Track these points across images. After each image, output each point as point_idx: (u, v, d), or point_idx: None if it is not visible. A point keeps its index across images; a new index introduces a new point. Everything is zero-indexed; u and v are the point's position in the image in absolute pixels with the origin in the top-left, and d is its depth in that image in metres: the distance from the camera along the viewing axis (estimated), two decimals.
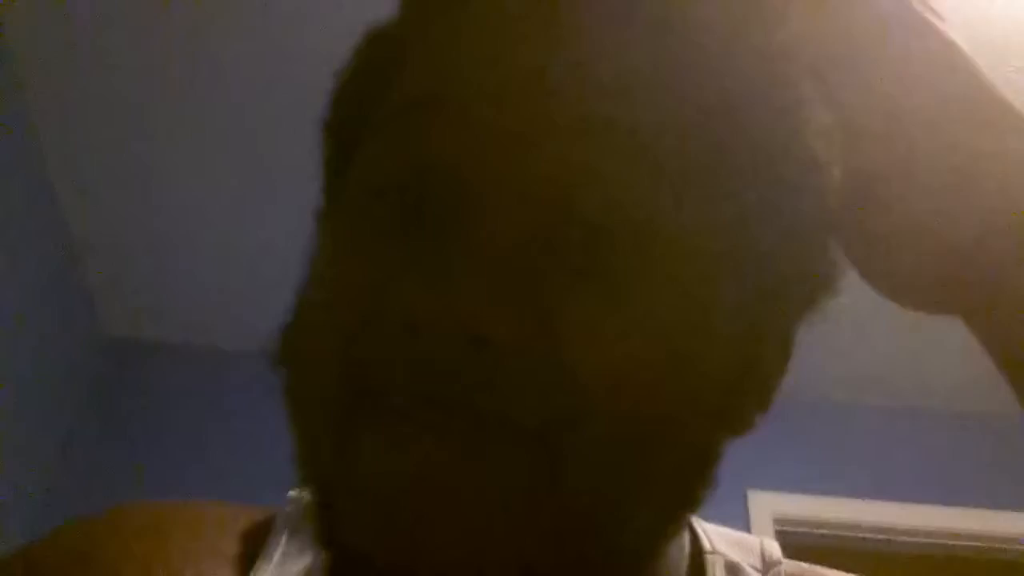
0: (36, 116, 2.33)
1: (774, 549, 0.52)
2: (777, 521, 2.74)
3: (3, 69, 2.21)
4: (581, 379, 0.37)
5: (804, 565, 0.53)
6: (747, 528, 2.69)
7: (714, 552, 0.50)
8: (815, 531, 2.76)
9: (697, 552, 0.50)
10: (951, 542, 2.79)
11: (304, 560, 0.50)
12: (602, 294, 0.38)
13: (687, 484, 0.42)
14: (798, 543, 2.71)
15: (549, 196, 0.38)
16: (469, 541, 0.36)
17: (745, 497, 2.74)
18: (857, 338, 2.85)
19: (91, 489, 2.55)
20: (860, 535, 2.79)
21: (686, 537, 0.50)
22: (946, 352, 2.87)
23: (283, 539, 0.52)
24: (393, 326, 0.37)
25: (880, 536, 2.79)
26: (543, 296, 0.37)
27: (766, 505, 2.75)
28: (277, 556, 0.51)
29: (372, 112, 0.44)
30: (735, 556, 0.50)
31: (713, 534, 0.52)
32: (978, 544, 2.79)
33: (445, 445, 0.36)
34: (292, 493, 0.54)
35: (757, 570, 0.50)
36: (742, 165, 0.41)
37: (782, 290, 0.44)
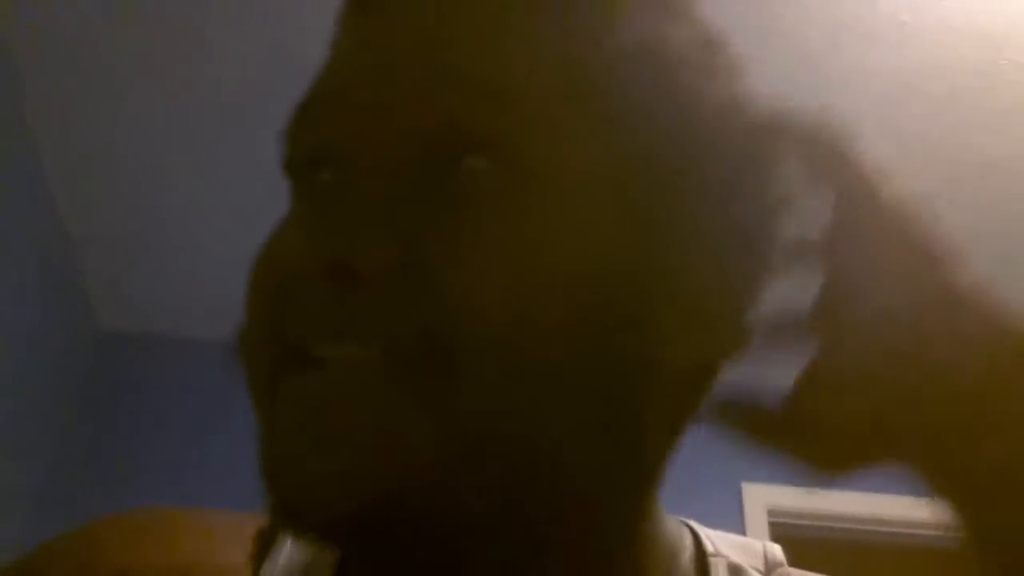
0: (31, 110, 2.32)
1: (777, 552, 0.53)
2: (771, 513, 2.75)
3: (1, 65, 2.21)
4: (450, 301, 0.39)
5: (807, 573, 0.53)
6: (741, 519, 2.70)
7: (717, 555, 0.51)
8: (809, 523, 2.77)
9: (700, 555, 0.51)
10: (947, 535, 2.79)
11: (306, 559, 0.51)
12: (463, 222, 0.40)
13: (580, 400, 0.42)
14: (792, 535, 2.72)
15: (402, 136, 0.42)
16: (367, 471, 0.38)
17: (739, 489, 2.75)
18: None
19: (88, 482, 2.56)
20: (855, 527, 2.80)
21: (688, 539, 0.51)
22: None
23: (287, 545, 0.52)
24: (287, 282, 0.41)
25: (875, 528, 2.80)
26: (402, 223, 0.40)
27: (760, 497, 2.76)
28: (282, 560, 0.51)
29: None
30: (738, 558, 0.51)
31: (716, 538, 0.52)
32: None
33: (338, 378, 0.39)
34: None
35: (759, 572, 0.51)
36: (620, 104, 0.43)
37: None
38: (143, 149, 2.41)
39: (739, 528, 2.67)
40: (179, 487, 2.52)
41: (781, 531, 2.72)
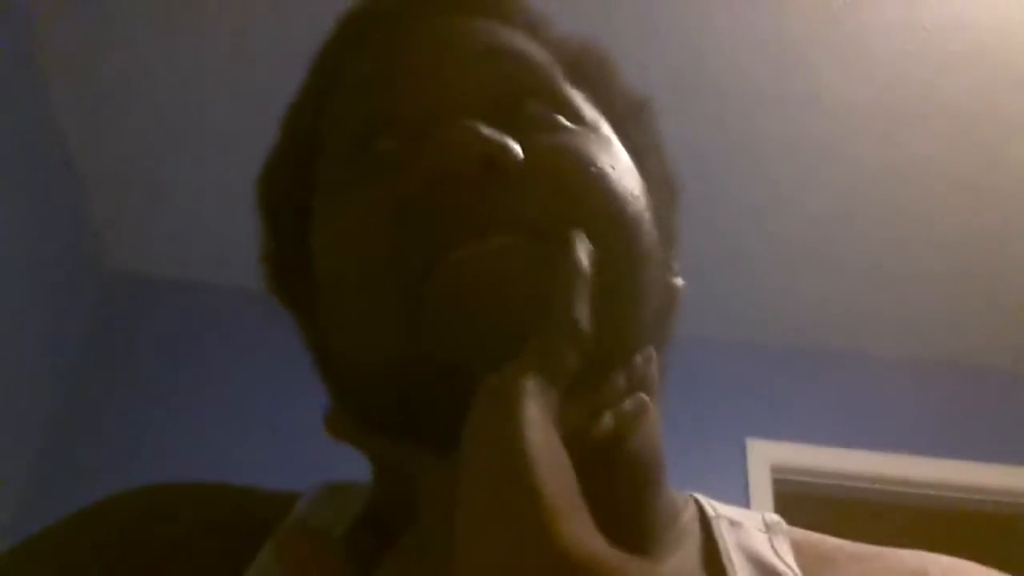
0: (39, 46, 2.30)
1: (775, 517, 0.56)
2: (775, 469, 2.75)
3: (11, 5, 2.19)
4: (567, 186, 0.48)
5: (806, 532, 0.56)
6: (744, 476, 2.71)
7: (718, 516, 0.55)
8: (813, 480, 2.78)
9: (703, 516, 0.55)
10: (949, 494, 2.81)
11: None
12: (560, 132, 0.52)
13: (655, 291, 0.52)
14: (796, 492, 2.73)
15: (474, 85, 0.52)
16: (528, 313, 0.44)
17: (744, 445, 2.76)
18: (859, 286, 2.86)
19: (96, 424, 2.58)
20: (858, 485, 2.81)
21: (692, 504, 0.56)
22: (951, 304, 2.88)
23: (299, 512, 0.55)
24: (428, 187, 0.46)
25: (878, 487, 2.81)
26: (523, 133, 0.49)
27: (764, 453, 2.76)
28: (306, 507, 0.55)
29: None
30: (739, 518, 0.55)
31: (717, 505, 0.56)
32: (976, 497, 2.82)
33: (501, 248, 0.45)
34: (315, 482, 0.59)
35: (760, 530, 0.54)
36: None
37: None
38: (155, 90, 2.40)
39: (742, 484, 2.68)
40: (188, 427, 2.54)
41: (785, 488, 2.72)
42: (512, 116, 0.50)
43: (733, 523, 0.54)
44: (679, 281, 0.57)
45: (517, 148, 0.47)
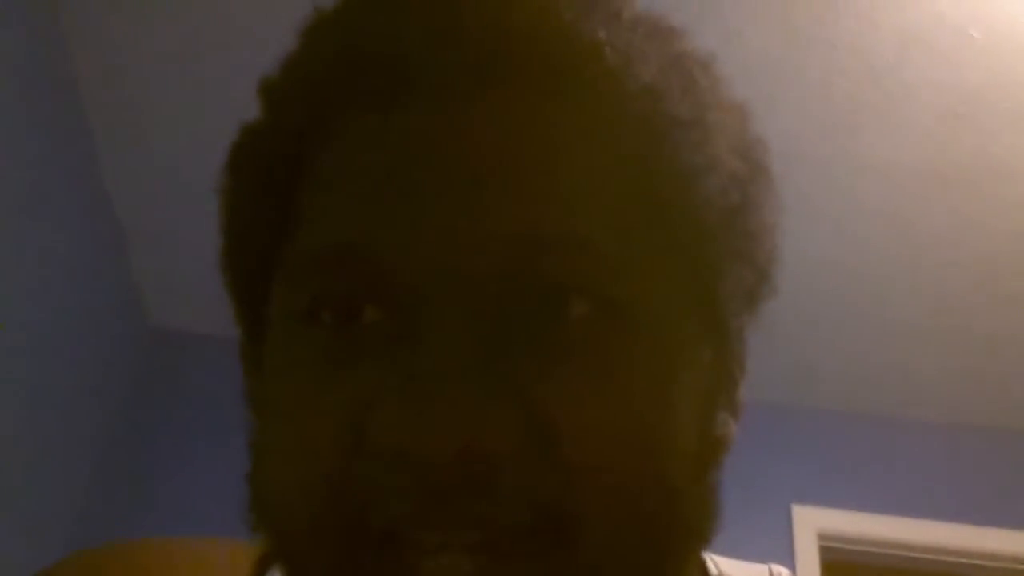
0: (87, 103, 2.35)
1: (782, 570, 0.53)
2: (821, 537, 2.71)
3: (57, 61, 2.24)
4: (575, 471, 0.37)
5: None
6: (791, 543, 2.65)
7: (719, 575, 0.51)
8: (860, 548, 2.72)
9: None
10: (998, 564, 2.75)
11: None
12: (581, 372, 0.38)
13: (678, 556, 0.43)
14: (843, 560, 2.67)
15: (501, 263, 0.38)
16: None
17: (790, 512, 2.71)
18: (909, 352, 2.81)
19: (136, 479, 2.58)
20: (905, 553, 2.75)
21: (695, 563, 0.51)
22: (1004, 369, 2.82)
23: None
24: (380, 458, 0.36)
25: (927, 556, 2.75)
26: (529, 389, 0.37)
27: (811, 520, 2.71)
28: None
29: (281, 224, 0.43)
30: (739, 574, 0.52)
31: (721, 562, 0.52)
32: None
33: (464, 568, 0.36)
34: None
35: None
36: (699, 229, 0.42)
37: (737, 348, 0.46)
38: (199, 143, 2.43)
39: (788, 551, 2.62)
40: (226, 484, 2.53)
41: (831, 555, 2.68)
42: (539, 328, 0.38)
43: None
44: (733, 427, 0.47)
45: (511, 433, 0.36)
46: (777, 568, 0.53)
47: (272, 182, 0.44)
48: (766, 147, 0.46)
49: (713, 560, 0.52)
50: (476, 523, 0.36)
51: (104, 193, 2.53)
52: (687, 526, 0.41)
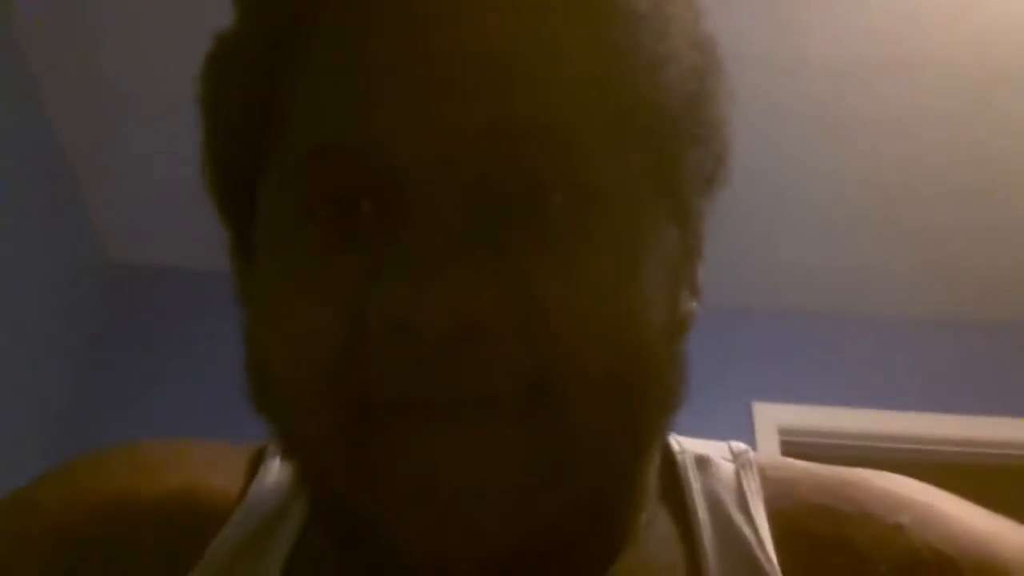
0: (35, 54, 2.29)
1: (742, 445, 0.56)
2: (782, 431, 2.77)
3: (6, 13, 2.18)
4: (560, 343, 0.40)
5: (773, 457, 0.56)
6: (753, 439, 2.72)
7: (683, 452, 0.54)
8: (820, 440, 2.79)
9: (668, 454, 0.54)
10: (954, 449, 2.82)
11: (273, 507, 0.53)
12: (562, 254, 0.41)
13: (654, 419, 0.46)
14: (803, 453, 2.72)
15: (486, 153, 0.41)
16: (502, 516, 0.40)
17: (750, 408, 2.77)
18: (859, 245, 2.85)
19: (107, 411, 2.58)
20: (865, 443, 2.82)
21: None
22: (952, 261, 2.87)
23: (275, 465, 0.55)
24: (382, 333, 0.39)
25: (885, 444, 2.81)
26: (516, 267, 0.40)
27: (771, 416, 2.77)
28: (269, 482, 0.54)
29: (265, 124, 0.45)
30: (704, 451, 0.54)
31: (682, 440, 0.55)
32: (980, 451, 2.83)
33: (463, 434, 0.39)
34: None
35: (726, 459, 0.54)
36: (662, 117, 0.45)
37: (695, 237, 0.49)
38: (148, 83, 2.38)
39: (750, 447, 2.67)
40: (194, 412, 2.55)
41: (792, 449, 2.73)
42: (523, 213, 0.41)
43: (700, 460, 0.53)
44: (695, 305, 0.50)
45: (499, 306, 0.39)
46: (736, 444, 0.56)
47: (258, 83, 0.45)
48: (718, 43, 0.49)
49: (676, 439, 0.55)
50: (468, 392, 0.39)
51: (51, 132, 2.48)
52: (659, 392, 0.45)
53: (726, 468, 0.53)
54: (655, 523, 0.50)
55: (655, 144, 0.45)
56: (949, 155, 2.58)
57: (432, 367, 0.38)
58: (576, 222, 0.41)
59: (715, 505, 0.50)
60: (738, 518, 0.50)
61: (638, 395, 0.43)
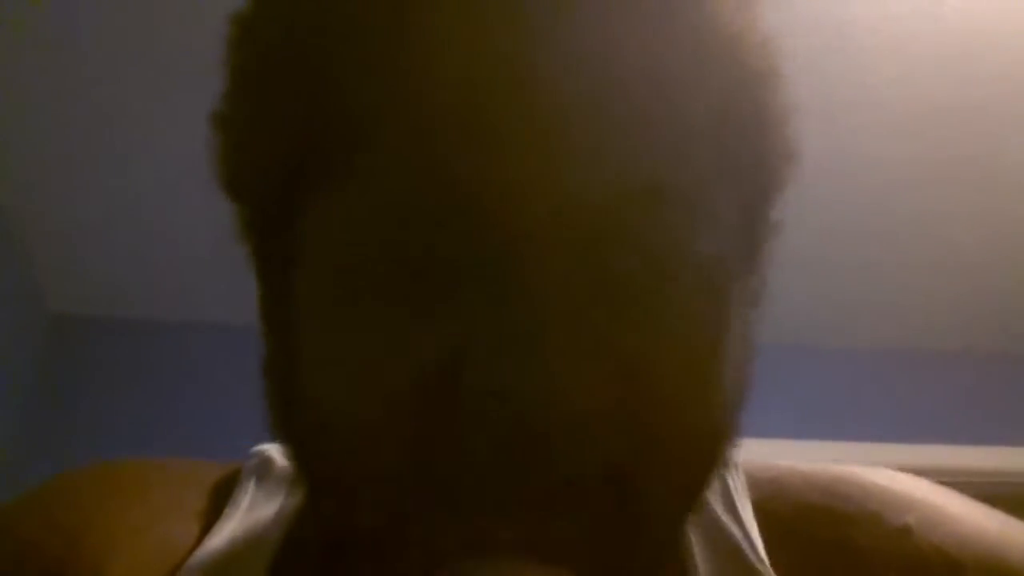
0: None
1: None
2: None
3: None
4: (652, 435, 0.36)
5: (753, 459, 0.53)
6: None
7: None
8: None
9: None
10: (938, 479, 2.79)
11: (272, 506, 0.51)
12: (662, 332, 0.37)
13: (708, 480, 0.42)
14: None
15: (612, 220, 0.36)
16: None
17: None
18: (842, 283, 2.83)
19: (47, 458, 2.49)
20: None
21: None
22: (928, 293, 2.86)
23: (251, 487, 0.53)
24: (473, 398, 0.34)
25: None
26: (621, 346, 0.36)
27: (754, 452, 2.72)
28: (245, 503, 0.51)
29: (311, 146, 0.38)
30: None
31: None
32: (962, 480, 2.79)
33: (552, 514, 0.35)
34: (255, 448, 0.55)
35: None
36: (745, 175, 0.41)
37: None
38: (91, 133, 2.31)
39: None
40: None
41: None
42: (629, 282, 0.37)
43: None
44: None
45: (607, 387, 0.35)
46: None
47: (303, 73, 0.38)
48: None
49: None
50: (551, 475, 0.34)
51: None
52: (724, 462, 0.42)
53: None
54: None
55: (754, 211, 0.42)
56: (932, 191, 2.54)
57: (521, 443, 0.33)
58: (694, 307, 0.37)
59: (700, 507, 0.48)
60: (725, 519, 0.48)
61: (711, 476, 0.41)
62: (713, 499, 0.49)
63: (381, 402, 0.36)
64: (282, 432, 0.42)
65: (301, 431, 0.41)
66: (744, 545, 0.47)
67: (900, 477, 0.51)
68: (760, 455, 0.47)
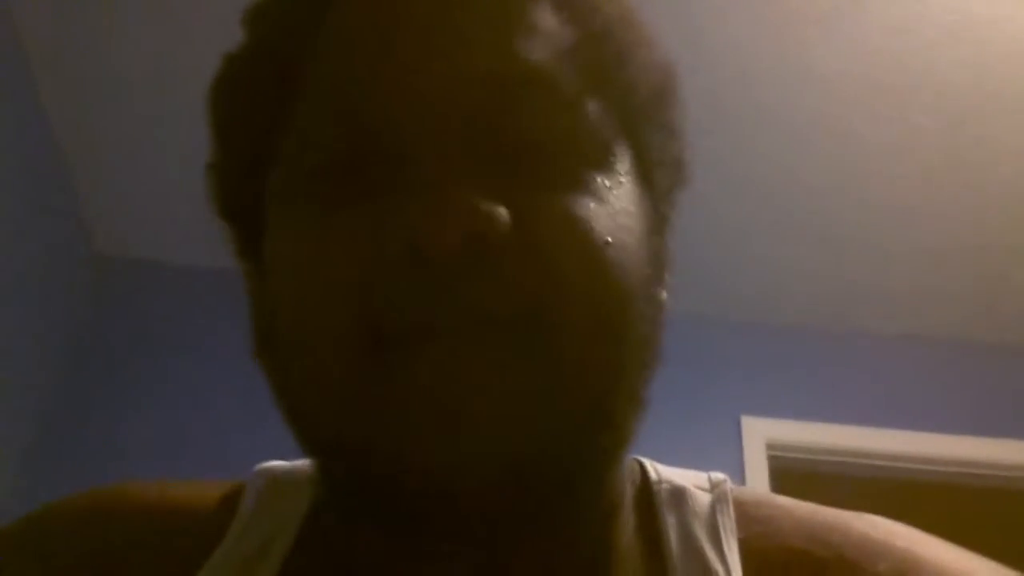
0: (28, 40, 2.28)
1: (720, 476, 0.56)
2: (770, 446, 2.76)
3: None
4: (555, 273, 0.43)
5: (752, 490, 0.56)
6: (740, 453, 2.71)
7: (660, 481, 0.55)
8: (807, 456, 2.78)
9: (646, 483, 0.55)
10: (942, 468, 2.83)
11: (278, 515, 0.54)
12: (552, 190, 0.45)
13: (644, 352, 0.48)
14: (790, 468, 2.73)
15: (478, 99, 0.45)
16: (496, 439, 0.41)
17: (739, 423, 2.77)
18: (854, 261, 2.85)
19: (87, 413, 2.56)
20: (852, 460, 2.82)
21: (637, 470, 0.56)
22: (945, 281, 2.87)
23: (248, 512, 0.54)
24: (396, 258, 0.41)
25: (872, 462, 2.81)
26: (513, 197, 0.43)
27: (759, 430, 2.77)
28: (237, 532, 0.53)
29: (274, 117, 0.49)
30: (682, 482, 0.55)
31: (661, 469, 0.56)
32: (970, 471, 2.83)
33: (462, 357, 0.41)
34: (259, 466, 0.58)
35: (704, 490, 0.54)
36: (632, 91, 0.51)
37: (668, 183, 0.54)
38: (141, 73, 2.37)
39: (738, 461, 2.68)
40: (174, 412, 2.53)
41: (779, 464, 2.73)
42: (513, 155, 0.45)
43: (676, 492, 0.54)
44: (665, 295, 0.52)
45: (504, 222, 0.42)
46: (715, 475, 0.56)
47: (271, 86, 0.49)
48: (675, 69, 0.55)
49: (655, 467, 0.56)
50: (471, 314, 0.41)
51: (45, 120, 2.47)
52: (638, 337, 0.46)
53: (702, 500, 0.53)
54: (628, 559, 0.50)
55: (627, 114, 0.50)
56: (946, 176, 2.58)
57: (441, 288, 0.41)
58: (563, 163, 0.46)
59: (687, 538, 0.51)
60: (710, 554, 0.50)
61: (619, 333, 0.45)
62: (700, 531, 0.51)
63: (328, 286, 0.44)
64: (259, 350, 0.49)
65: (269, 344, 0.48)
66: None
67: (882, 523, 0.53)
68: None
